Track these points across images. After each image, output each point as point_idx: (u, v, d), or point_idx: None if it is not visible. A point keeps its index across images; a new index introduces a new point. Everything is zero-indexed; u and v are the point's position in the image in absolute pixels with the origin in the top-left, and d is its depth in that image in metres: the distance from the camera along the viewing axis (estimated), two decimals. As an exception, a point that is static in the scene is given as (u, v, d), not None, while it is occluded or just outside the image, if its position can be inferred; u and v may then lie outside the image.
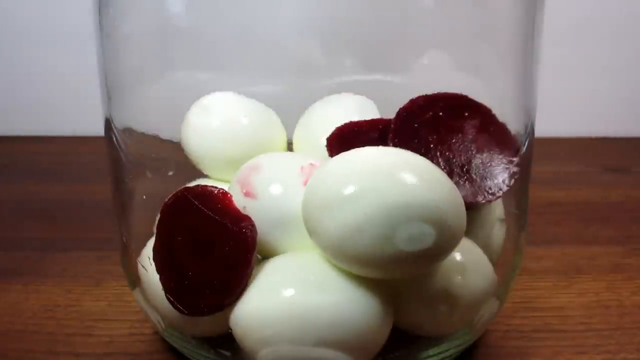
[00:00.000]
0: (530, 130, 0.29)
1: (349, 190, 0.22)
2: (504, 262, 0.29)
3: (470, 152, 0.26)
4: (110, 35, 0.27)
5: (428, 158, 0.24)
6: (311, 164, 0.26)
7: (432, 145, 0.25)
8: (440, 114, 0.26)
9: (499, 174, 0.26)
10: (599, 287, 0.36)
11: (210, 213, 0.25)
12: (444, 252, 0.23)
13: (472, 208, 0.25)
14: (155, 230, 0.26)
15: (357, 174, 0.23)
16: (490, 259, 0.28)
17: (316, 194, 0.23)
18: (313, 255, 0.24)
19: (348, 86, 0.27)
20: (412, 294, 0.25)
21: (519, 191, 0.29)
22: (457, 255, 0.26)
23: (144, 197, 0.29)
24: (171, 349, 0.30)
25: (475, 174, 0.26)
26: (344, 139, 0.26)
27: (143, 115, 0.29)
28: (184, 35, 0.28)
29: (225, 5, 0.28)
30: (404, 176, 0.22)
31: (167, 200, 0.26)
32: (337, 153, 0.24)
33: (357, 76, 0.27)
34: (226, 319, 0.25)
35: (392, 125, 0.26)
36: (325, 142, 0.27)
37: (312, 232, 0.24)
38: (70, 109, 0.66)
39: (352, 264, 0.23)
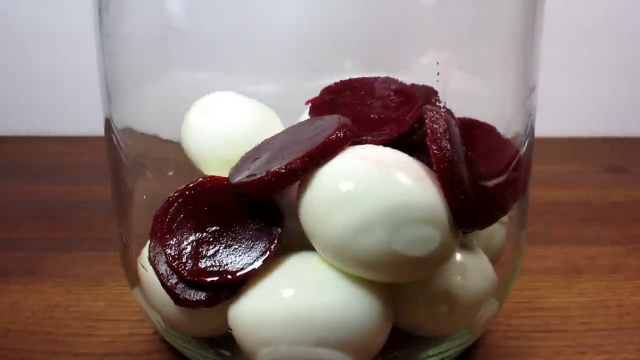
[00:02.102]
0: (530, 130, 0.29)
1: (348, 191, 0.22)
2: (504, 262, 0.29)
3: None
4: (110, 35, 0.27)
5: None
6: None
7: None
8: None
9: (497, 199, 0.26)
10: (599, 287, 0.36)
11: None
12: (447, 255, 0.23)
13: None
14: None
15: (356, 174, 0.23)
16: (491, 259, 0.28)
17: (313, 194, 0.23)
18: (313, 255, 0.24)
19: (348, 86, 0.27)
20: (413, 294, 0.25)
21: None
22: (457, 256, 0.26)
23: (144, 197, 0.29)
24: (171, 349, 0.30)
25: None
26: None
27: (143, 115, 0.29)
28: (184, 35, 0.28)
29: (225, 5, 0.28)
30: (405, 177, 0.22)
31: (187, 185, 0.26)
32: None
33: (357, 76, 0.27)
34: (226, 319, 0.25)
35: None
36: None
37: (310, 235, 0.24)
38: (70, 109, 0.65)
39: (353, 267, 0.23)
